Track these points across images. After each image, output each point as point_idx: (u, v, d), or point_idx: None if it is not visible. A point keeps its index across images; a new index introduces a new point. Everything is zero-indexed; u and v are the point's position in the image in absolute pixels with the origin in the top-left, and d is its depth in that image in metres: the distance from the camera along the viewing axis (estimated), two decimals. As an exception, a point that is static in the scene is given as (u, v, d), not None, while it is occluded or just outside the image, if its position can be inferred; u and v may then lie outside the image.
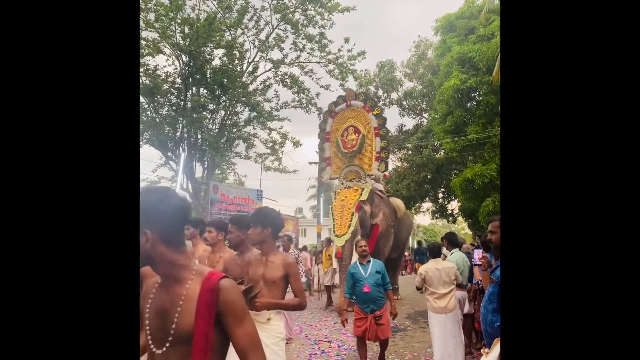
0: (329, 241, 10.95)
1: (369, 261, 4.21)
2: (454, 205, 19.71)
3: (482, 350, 3.38)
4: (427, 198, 19.41)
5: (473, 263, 4.86)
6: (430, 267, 4.27)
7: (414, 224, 33.30)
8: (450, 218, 20.33)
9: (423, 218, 44.61)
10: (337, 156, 9.74)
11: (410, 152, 19.09)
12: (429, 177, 17.90)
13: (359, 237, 7.53)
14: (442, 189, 19.27)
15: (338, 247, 7.78)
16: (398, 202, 9.62)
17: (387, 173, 9.55)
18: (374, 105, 9.63)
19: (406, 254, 14.14)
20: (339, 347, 5.40)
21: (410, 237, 27.26)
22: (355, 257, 7.33)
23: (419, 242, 14.57)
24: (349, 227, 7.80)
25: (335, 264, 8.04)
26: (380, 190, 8.99)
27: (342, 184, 9.10)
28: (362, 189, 8.46)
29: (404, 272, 19.98)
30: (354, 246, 7.60)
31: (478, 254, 5.12)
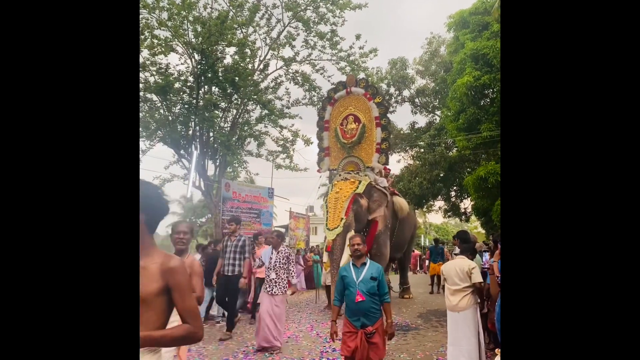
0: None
1: (365, 264, 3.42)
2: (466, 204, 19.53)
3: (495, 350, 3.33)
4: (440, 196, 19.26)
5: (482, 267, 4.80)
6: (451, 262, 4.24)
7: (422, 222, 33.03)
8: (463, 217, 20.13)
9: (435, 217, 44.23)
10: (336, 146, 9.15)
11: (422, 150, 18.96)
12: (441, 175, 17.74)
13: (353, 232, 7.10)
14: (454, 187, 19.10)
15: (329, 240, 7.34)
16: (401, 202, 9.07)
17: (387, 166, 8.96)
18: (375, 93, 8.95)
19: (415, 251, 13.63)
20: (350, 345, 5.38)
21: (423, 237, 26.96)
22: (347, 252, 6.91)
23: (436, 240, 13.55)
24: (341, 220, 7.35)
25: (325, 259, 7.58)
26: (384, 187, 8.51)
27: (340, 175, 8.52)
28: (360, 182, 7.93)
29: (418, 270, 19.85)
30: (347, 242, 7.11)
31: (486, 257, 5.04)
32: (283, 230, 12.55)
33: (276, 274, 5.28)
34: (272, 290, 5.24)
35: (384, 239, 8.05)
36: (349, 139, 8.76)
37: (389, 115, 9.06)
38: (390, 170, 9.62)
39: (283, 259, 5.36)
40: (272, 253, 5.46)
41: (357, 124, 8.79)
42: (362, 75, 12.77)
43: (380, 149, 8.54)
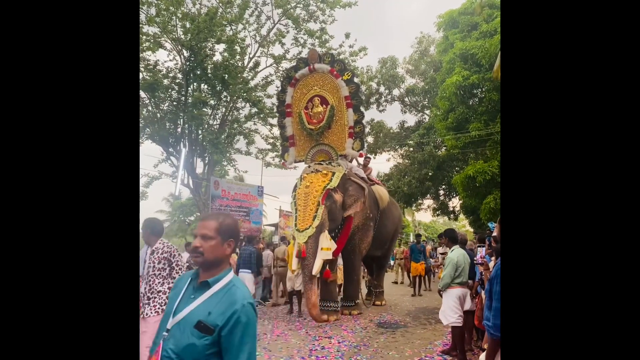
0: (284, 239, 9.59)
1: (207, 284, 1.46)
2: (455, 203, 19.71)
3: (482, 345, 3.37)
4: (429, 195, 19.41)
5: (475, 262, 4.84)
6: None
7: (410, 221, 33.17)
8: (452, 215, 20.31)
9: (424, 215, 44.57)
10: (302, 134, 7.87)
11: (411, 149, 19.09)
12: (430, 174, 17.88)
13: (326, 231, 6.37)
14: (443, 186, 19.26)
15: (300, 244, 6.25)
16: (381, 191, 7.97)
17: (363, 152, 7.84)
18: (343, 69, 7.59)
19: (403, 249, 13.32)
20: (339, 343, 5.39)
21: (412, 235, 27.10)
22: (320, 257, 6.15)
23: (418, 236, 12.47)
24: (313, 219, 6.31)
25: (295, 265, 6.57)
26: (361, 178, 7.54)
27: (309, 167, 7.40)
28: (333, 174, 6.87)
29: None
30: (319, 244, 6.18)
31: (480, 252, 5.09)
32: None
33: (148, 285, 3.41)
34: (143, 311, 3.39)
35: (362, 235, 7.27)
36: (316, 124, 7.54)
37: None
38: (364, 155, 8.40)
39: (160, 262, 3.45)
40: (145, 253, 3.58)
41: (324, 106, 7.56)
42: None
43: (354, 133, 7.41)
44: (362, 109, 7.67)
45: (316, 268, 6.15)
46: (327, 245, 6.30)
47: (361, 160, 8.41)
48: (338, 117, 7.50)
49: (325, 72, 7.61)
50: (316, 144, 7.70)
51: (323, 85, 7.66)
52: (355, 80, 7.73)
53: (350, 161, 7.75)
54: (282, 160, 8.38)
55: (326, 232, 6.41)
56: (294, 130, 8.00)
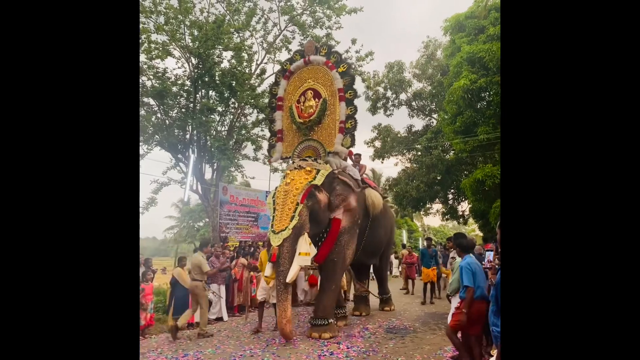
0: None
1: None
2: (464, 207, 19.57)
3: (491, 351, 3.34)
4: (437, 199, 19.31)
5: (483, 266, 4.80)
6: None
7: (419, 225, 32.85)
8: (461, 219, 20.17)
9: (433, 219, 44.29)
10: (291, 128, 7.29)
11: (419, 153, 19.03)
12: (438, 178, 17.80)
13: (305, 234, 5.71)
14: (452, 190, 19.15)
15: (274, 247, 5.58)
16: (374, 196, 7.21)
17: (352, 150, 7.03)
18: (339, 60, 7.10)
19: (414, 255, 12.66)
20: (348, 348, 5.36)
21: (420, 240, 26.91)
22: (297, 263, 5.53)
23: (428, 240, 11.20)
24: (290, 220, 5.66)
25: (268, 272, 5.78)
26: (355, 179, 6.95)
27: (293, 163, 6.76)
28: (317, 171, 6.24)
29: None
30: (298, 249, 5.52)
31: (488, 257, 5.05)
32: None
33: None
34: None
35: (348, 239, 6.48)
36: (307, 118, 7.00)
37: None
38: (353, 152, 7.54)
39: None
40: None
41: (316, 100, 7.05)
42: (358, 78, 12.74)
43: (345, 128, 6.71)
44: (355, 102, 6.98)
45: (291, 275, 5.46)
46: (305, 250, 5.60)
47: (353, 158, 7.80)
48: (330, 111, 6.93)
49: (320, 64, 7.18)
50: (305, 139, 7.05)
51: (317, 78, 7.20)
52: (351, 72, 7.19)
53: (345, 159, 7.15)
54: (268, 157, 7.81)
55: (306, 235, 5.71)
56: (283, 125, 7.48)
